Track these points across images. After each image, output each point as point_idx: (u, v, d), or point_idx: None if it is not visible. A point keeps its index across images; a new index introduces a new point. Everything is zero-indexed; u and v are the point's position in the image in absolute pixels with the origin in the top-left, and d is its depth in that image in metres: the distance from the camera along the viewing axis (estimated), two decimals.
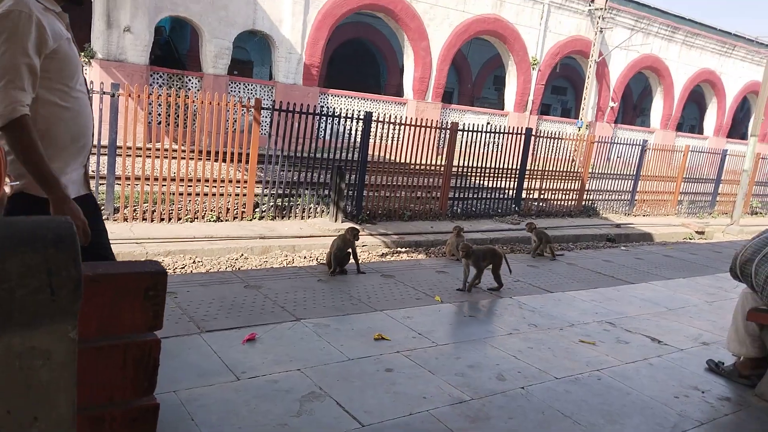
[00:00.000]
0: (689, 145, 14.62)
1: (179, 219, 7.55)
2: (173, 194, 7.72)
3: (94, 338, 0.98)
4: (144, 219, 7.32)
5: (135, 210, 7.34)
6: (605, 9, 22.36)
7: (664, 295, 5.43)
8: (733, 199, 14.37)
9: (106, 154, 7.14)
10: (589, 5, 22.55)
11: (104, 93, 6.95)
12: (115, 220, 7.16)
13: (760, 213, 16.19)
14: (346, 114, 8.90)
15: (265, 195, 8.32)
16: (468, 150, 10.23)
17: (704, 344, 4.15)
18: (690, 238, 11.60)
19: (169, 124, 7.80)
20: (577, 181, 12.06)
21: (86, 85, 2.22)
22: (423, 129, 9.52)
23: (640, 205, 13.28)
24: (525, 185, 11.18)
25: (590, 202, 12.42)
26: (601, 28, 22.64)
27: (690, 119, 33.33)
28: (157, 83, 15.21)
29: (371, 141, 9.02)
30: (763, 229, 3.61)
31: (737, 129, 32.58)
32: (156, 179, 7.39)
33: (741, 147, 20.58)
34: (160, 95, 7.42)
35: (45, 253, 0.81)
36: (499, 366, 3.38)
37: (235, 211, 8.02)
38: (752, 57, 28.45)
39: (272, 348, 3.30)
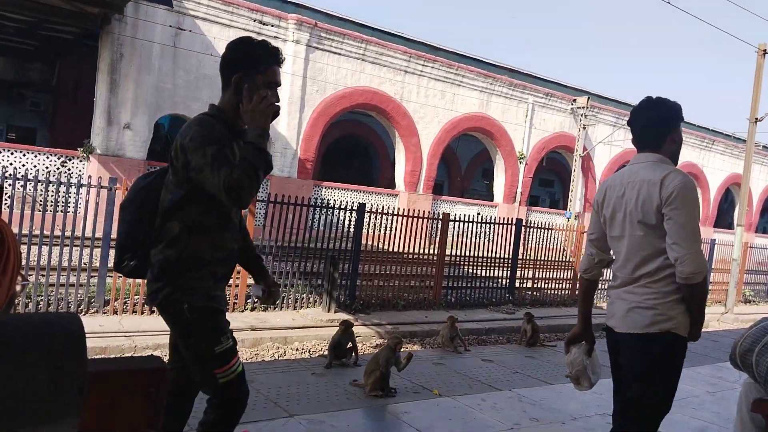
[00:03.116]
0: None
1: None
2: None
3: None
4: (134, 311, 7.19)
5: (125, 302, 7.23)
6: (587, 107, 23.48)
7: None
8: (725, 287, 14.41)
9: (99, 247, 7.14)
10: (572, 104, 23.68)
11: (102, 187, 7.06)
12: (105, 313, 7.03)
13: (753, 301, 16.17)
14: (340, 205, 9.04)
15: None
16: (460, 240, 10.32)
17: None
18: None
19: None
20: (569, 271, 12.09)
21: None
22: (415, 219, 9.65)
23: None
24: (518, 274, 11.19)
25: None
26: (584, 125, 23.65)
27: None
28: None
29: (364, 231, 9.10)
30: (759, 318, 3.60)
31: (722, 219, 33.25)
32: None
33: (727, 236, 20.91)
34: None
35: (51, 351, 0.80)
36: None
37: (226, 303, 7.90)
38: (731, 151, 29.60)
39: None
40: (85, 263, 7.05)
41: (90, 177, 7.40)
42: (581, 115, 23.57)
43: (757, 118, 14.39)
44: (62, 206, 7.72)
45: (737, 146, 28.91)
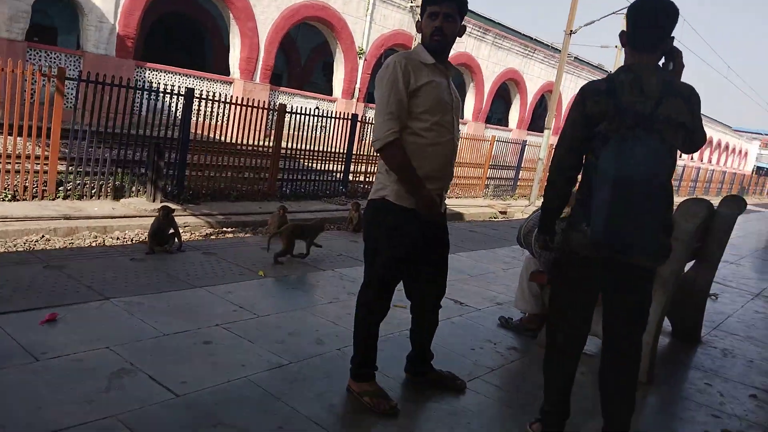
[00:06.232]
0: (495, 136, 16.25)
1: None
2: None
3: None
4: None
5: None
6: None
7: (467, 264, 6.06)
8: (531, 183, 16.30)
9: None
10: (411, 2, 23.77)
11: None
12: None
13: None
14: (165, 89, 8.42)
15: (71, 173, 7.57)
16: (297, 132, 10.28)
17: (498, 304, 4.74)
18: (494, 217, 12.95)
19: None
20: None
21: (453, 124, 2.75)
22: (250, 109, 9.35)
23: (453, 189, 14.46)
24: (352, 168, 11.56)
25: None
26: None
27: (498, 113, 36.87)
28: None
29: (194, 119, 8.64)
30: None
31: (537, 123, 36.77)
32: None
33: (539, 138, 23.32)
34: None
35: None
36: (319, 332, 3.55)
37: (34, 190, 7.19)
38: (549, 60, 32.30)
39: (77, 328, 3.09)
40: None
41: None
42: (419, 15, 23.83)
43: (572, 30, 15.79)
44: None
45: (554, 56, 31.59)
